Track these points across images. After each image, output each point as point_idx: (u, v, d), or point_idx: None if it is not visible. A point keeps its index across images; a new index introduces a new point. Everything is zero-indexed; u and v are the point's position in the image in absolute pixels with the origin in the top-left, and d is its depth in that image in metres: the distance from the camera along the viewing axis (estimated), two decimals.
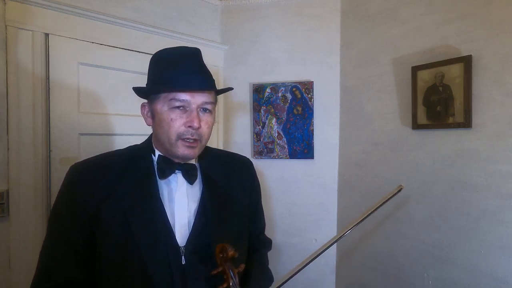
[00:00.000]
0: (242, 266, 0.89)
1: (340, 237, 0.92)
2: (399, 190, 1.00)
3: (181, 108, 0.89)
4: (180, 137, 0.89)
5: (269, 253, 1.20)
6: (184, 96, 0.88)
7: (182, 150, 0.90)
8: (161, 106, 0.89)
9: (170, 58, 0.92)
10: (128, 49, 1.91)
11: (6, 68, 1.51)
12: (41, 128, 1.61)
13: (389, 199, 0.98)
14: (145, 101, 0.98)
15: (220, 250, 0.85)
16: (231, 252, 0.83)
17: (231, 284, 0.83)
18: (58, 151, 1.66)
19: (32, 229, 1.58)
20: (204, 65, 0.95)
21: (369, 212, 0.95)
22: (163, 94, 0.89)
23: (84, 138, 1.75)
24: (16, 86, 1.53)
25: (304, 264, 0.84)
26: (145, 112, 0.97)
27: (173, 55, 0.92)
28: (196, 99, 0.89)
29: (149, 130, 1.09)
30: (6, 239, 1.52)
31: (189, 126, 0.88)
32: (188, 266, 0.89)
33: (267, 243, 1.20)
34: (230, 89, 1.05)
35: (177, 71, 0.89)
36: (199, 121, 0.89)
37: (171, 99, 0.88)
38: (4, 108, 1.51)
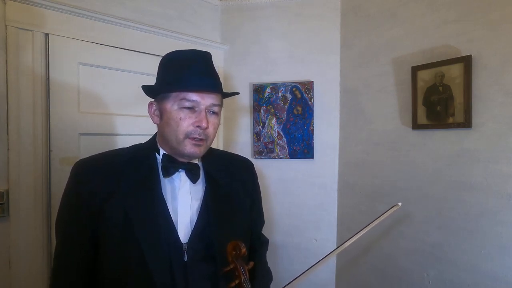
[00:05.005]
0: (251, 263, 0.90)
1: (331, 252, 0.94)
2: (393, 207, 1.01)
3: (190, 108, 0.91)
4: (187, 136, 0.91)
5: (269, 253, 1.20)
6: (194, 96, 0.90)
7: (189, 148, 0.92)
8: (171, 105, 0.92)
9: (182, 59, 0.94)
10: (128, 49, 1.91)
11: (6, 68, 1.51)
12: (41, 128, 1.61)
13: (384, 214, 0.98)
14: (152, 99, 1.00)
15: (233, 248, 0.86)
16: (243, 249, 0.85)
17: (242, 280, 0.83)
18: (58, 151, 1.66)
19: (32, 229, 1.58)
20: (214, 68, 0.98)
21: (367, 228, 0.96)
22: (173, 93, 0.91)
23: (84, 138, 1.75)
24: (16, 86, 1.53)
25: (303, 272, 0.84)
26: (152, 111, 0.99)
27: (185, 57, 0.95)
28: (205, 100, 0.92)
29: (149, 130, 1.09)
30: (6, 239, 1.52)
31: (198, 126, 0.91)
32: (190, 263, 0.91)
33: (266, 243, 1.21)
34: (237, 93, 1.07)
35: (188, 72, 0.91)
36: (207, 121, 0.92)
37: (182, 99, 0.90)
38: (4, 108, 1.51)
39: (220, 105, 0.97)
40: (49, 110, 1.64)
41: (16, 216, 1.54)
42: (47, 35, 1.62)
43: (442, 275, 1.65)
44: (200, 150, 0.94)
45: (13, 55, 1.52)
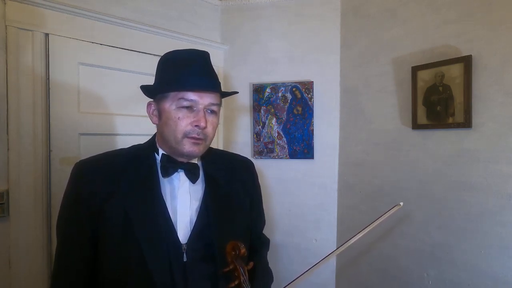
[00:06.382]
0: (251, 263, 0.90)
1: (332, 252, 0.95)
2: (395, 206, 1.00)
3: (188, 107, 0.91)
4: (186, 136, 0.91)
5: (269, 253, 1.20)
6: (192, 96, 0.90)
7: (188, 147, 0.92)
8: (169, 105, 0.92)
9: (180, 59, 0.94)
10: (128, 49, 1.91)
11: (6, 68, 1.51)
12: (41, 128, 1.61)
13: (385, 214, 0.98)
14: (151, 99, 1.00)
15: (232, 248, 0.85)
16: (243, 249, 0.84)
17: (242, 280, 0.83)
18: (58, 151, 1.66)
19: (32, 229, 1.58)
20: (212, 68, 0.97)
21: (368, 228, 0.96)
22: (171, 93, 0.91)
23: (84, 138, 1.75)
24: (16, 86, 1.53)
25: (304, 272, 0.85)
26: (150, 111, 0.98)
27: (183, 56, 0.94)
28: (204, 99, 0.91)
29: (149, 131, 1.09)
30: (6, 239, 1.51)
31: (196, 126, 0.90)
32: (189, 263, 0.91)
33: (267, 243, 1.21)
34: (236, 92, 1.07)
35: (186, 72, 0.91)
36: (206, 121, 0.91)
37: (180, 99, 0.90)
38: (4, 108, 1.51)
39: (219, 105, 0.97)
40: (49, 110, 1.64)
41: (16, 216, 1.53)
42: (47, 35, 1.62)
43: (442, 275, 1.65)
44: (199, 149, 0.93)
45: (13, 55, 1.52)
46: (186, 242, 0.92)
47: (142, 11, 1.98)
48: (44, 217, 1.62)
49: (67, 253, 0.91)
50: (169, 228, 0.91)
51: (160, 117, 0.95)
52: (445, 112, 1.60)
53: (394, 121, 1.88)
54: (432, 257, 1.69)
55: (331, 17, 2.19)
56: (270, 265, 1.16)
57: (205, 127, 0.91)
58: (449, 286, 1.62)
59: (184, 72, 0.91)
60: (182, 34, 2.13)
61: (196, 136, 0.91)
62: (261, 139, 2.29)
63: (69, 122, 1.69)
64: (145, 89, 0.98)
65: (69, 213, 0.92)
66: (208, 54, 0.98)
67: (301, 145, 2.22)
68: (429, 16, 1.70)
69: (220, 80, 0.99)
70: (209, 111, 0.94)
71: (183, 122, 0.90)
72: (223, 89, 0.99)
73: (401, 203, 0.99)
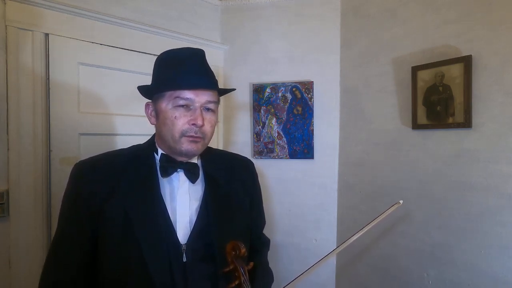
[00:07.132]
0: (251, 263, 0.90)
1: (332, 251, 0.95)
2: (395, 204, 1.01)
3: (185, 106, 0.91)
4: (184, 134, 0.91)
5: (269, 253, 1.20)
6: (188, 94, 0.90)
7: (186, 145, 0.91)
8: (166, 104, 0.91)
9: (175, 58, 0.94)
10: (128, 49, 1.91)
11: (6, 68, 1.51)
12: (41, 128, 1.61)
13: (385, 213, 0.98)
14: (149, 100, 1.00)
15: (232, 248, 0.85)
16: (243, 249, 0.84)
17: (242, 280, 0.83)
18: (58, 151, 1.66)
19: (32, 229, 1.58)
20: (208, 65, 0.97)
21: (368, 226, 0.96)
22: (167, 92, 0.91)
23: (84, 138, 1.75)
24: (16, 86, 1.53)
25: (304, 272, 0.85)
26: (149, 112, 0.99)
27: (178, 55, 0.94)
28: (200, 98, 0.91)
29: (149, 131, 1.09)
30: (6, 239, 1.51)
31: (193, 124, 0.90)
32: (189, 263, 0.91)
33: (267, 244, 1.21)
34: (233, 90, 1.07)
35: (181, 71, 0.91)
36: (203, 119, 0.91)
37: (176, 98, 0.90)
38: (4, 108, 1.51)
39: (216, 102, 0.96)
40: (49, 110, 1.64)
41: (16, 216, 1.53)
42: (47, 35, 1.62)
43: (442, 275, 1.65)
44: (197, 147, 0.93)
45: (13, 55, 1.52)
46: (185, 242, 0.92)
47: (142, 11, 1.98)
48: (44, 217, 1.62)
49: (67, 252, 0.91)
50: (169, 228, 0.91)
51: (157, 117, 0.95)
52: (445, 112, 1.60)
53: (394, 121, 1.88)
54: (432, 257, 1.69)
55: (331, 17, 2.19)
56: (270, 265, 1.16)
57: (202, 125, 0.91)
58: (449, 286, 1.62)
59: (179, 71, 0.90)
60: (182, 34, 2.13)
61: (193, 134, 0.91)
62: (261, 139, 2.29)
63: (69, 122, 1.69)
64: (142, 90, 0.98)
65: (69, 213, 0.92)
66: (203, 51, 0.97)
67: (301, 145, 2.22)
68: (429, 16, 1.70)
69: (220, 80, 0.98)
70: (206, 109, 0.93)
71: (180, 121, 0.90)
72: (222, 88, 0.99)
73: (401, 201, 0.99)
